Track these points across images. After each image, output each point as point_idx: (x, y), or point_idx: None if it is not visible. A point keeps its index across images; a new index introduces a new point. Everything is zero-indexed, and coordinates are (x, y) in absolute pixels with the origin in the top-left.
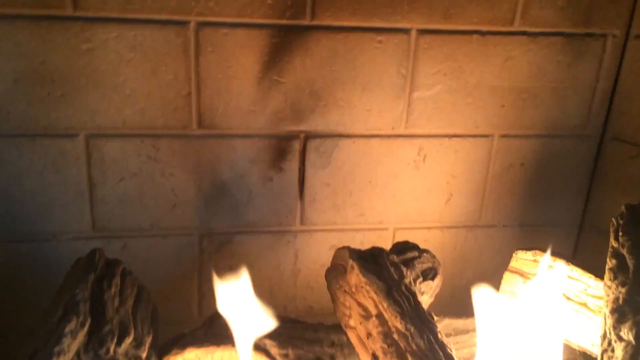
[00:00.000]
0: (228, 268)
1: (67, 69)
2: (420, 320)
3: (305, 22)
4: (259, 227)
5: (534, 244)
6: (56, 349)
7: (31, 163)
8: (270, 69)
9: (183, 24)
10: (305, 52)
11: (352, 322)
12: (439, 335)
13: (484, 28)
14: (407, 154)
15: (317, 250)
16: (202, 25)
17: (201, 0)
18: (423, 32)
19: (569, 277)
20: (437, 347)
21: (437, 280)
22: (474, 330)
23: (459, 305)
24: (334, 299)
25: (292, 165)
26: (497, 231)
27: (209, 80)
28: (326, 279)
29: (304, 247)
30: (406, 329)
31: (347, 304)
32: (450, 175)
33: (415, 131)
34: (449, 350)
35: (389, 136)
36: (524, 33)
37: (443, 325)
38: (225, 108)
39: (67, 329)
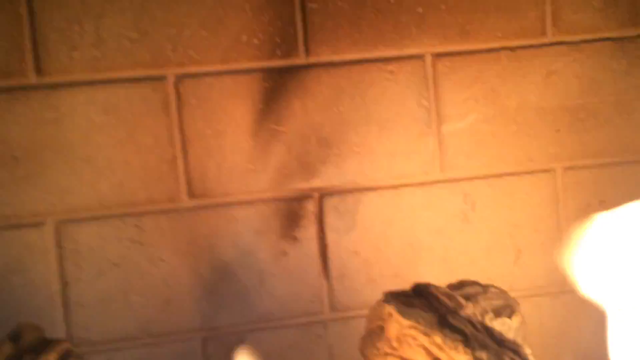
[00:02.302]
0: None
1: (30, 144)
2: (497, 344)
3: (300, 60)
4: (277, 319)
5: None
6: None
7: None
8: (266, 118)
9: (160, 78)
10: (304, 94)
11: None
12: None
13: (512, 43)
14: (450, 204)
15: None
16: (182, 77)
17: (179, 49)
18: (439, 55)
19: None
20: None
21: (517, 319)
22: None
23: None
24: None
25: (309, 232)
26: None
27: (196, 140)
28: (362, 354)
29: (340, 340)
30: (475, 357)
31: None
32: (511, 225)
33: (454, 174)
34: None
35: (423, 184)
36: (561, 43)
37: None
38: (218, 170)
39: None
